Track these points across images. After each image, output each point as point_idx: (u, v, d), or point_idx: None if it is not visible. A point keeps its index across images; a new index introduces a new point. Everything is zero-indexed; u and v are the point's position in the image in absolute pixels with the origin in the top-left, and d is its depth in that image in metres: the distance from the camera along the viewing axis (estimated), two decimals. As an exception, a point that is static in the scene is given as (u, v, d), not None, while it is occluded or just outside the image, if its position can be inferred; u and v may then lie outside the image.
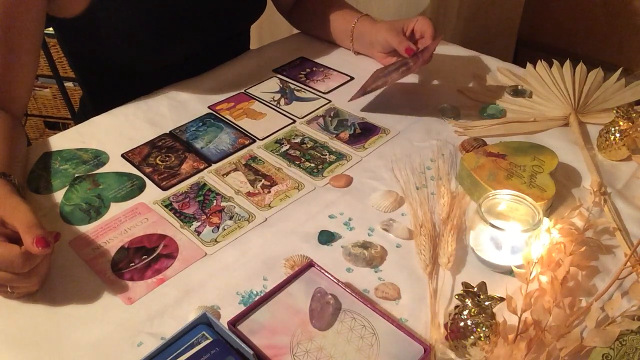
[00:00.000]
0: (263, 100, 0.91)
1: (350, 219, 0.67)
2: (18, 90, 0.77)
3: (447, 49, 1.02)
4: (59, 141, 0.81)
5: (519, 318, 0.51)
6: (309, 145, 0.80)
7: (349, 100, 0.88)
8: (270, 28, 1.62)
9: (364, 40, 0.99)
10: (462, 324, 0.49)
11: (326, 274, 0.57)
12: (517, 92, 0.90)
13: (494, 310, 0.50)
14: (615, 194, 0.70)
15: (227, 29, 0.97)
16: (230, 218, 0.67)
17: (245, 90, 0.93)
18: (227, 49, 1.01)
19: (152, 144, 0.80)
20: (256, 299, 0.56)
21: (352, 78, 0.96)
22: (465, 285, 0.51)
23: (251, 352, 0.48)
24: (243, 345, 0.48)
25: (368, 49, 1.00)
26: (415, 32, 0.92)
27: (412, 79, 0.95)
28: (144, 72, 0.92)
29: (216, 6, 0.91)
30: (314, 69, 1.00)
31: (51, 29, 0.90)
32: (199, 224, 0.66)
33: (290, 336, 0.51)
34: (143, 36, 0.84)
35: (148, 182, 0.73)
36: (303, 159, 0.77)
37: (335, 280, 0.56)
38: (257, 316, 0.53)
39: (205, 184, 0.72)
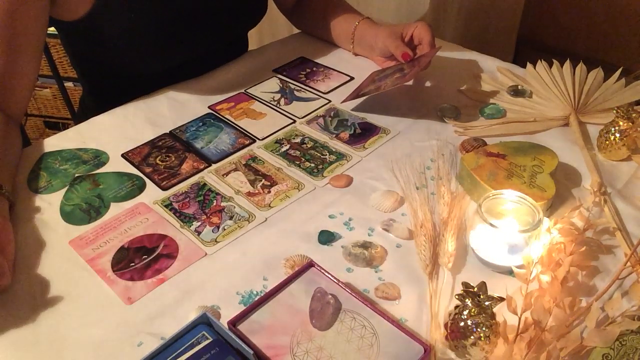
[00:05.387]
0: (263, 100, 0.91)
1: (350, 219, 0.67)
2: (18, 91, 0.77)
3: (447, 49, 1.02)
4: (59, 141, 0.81)
5: (519, 318, 0.51)
6: (309, 145, 0.80)
7: (341, 102, 0.88)
8: (270, 28, 1.62)
9: (364, 44, 0.99)
10: (462, 324, 0.49)
11: (326, 274, 0.57)
12: (517, 92, 0.90)
13: (494, 310, 0.50)
14: (615, 194, 0.70)
15: (228, 33, 0.98)
16: (230, 218, 0.67)
17: (245, 90, 0.93)
18: (227, 52, 1.02)
19: (152, 144, 0.80)
20: (256, 299, 0.56)
21: (352, 78, 0.96)
22: (465, 285, 0.51)
23: (251, 352, 0.48)
24: (243, 345, 0.48)
25: (368, 52, 1.00)
26: (413, 38, 0.92)
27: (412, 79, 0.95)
28: (146, 75, 0.92)
29: (217, 10, 0.91)
30: (314, 69, 1.00)
31: (53, 28, 0.90)
32: (199, 224, 0.66)
33: (290, 336, 0.51)
34: (145, 40, 0.84)
35: (148, 182, 0.73)
36: (303, 159, 0.77)
37: (335, 280, 0.56)
38: (257, 316, 0.53)
39: (205, 184, 0.72)
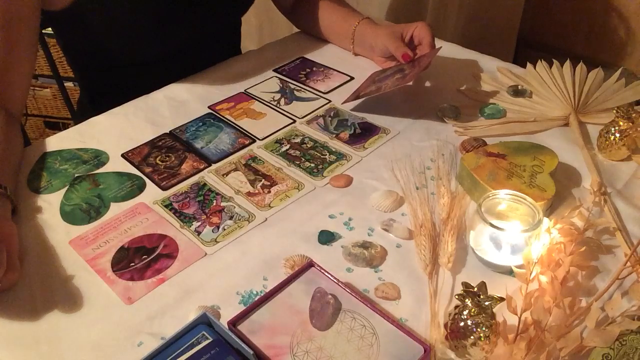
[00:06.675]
0: (263, 100, 0.91)
1: (350, 219, 0.67)
2: (17, 87, 0.76)
3: (447, 49, 1.02)
4: (59, 141, 0.81)
5: (519, 318, 0.51)
6: (309, 145, 0.80)
7: (342, 103, 0.88)
8: (270, 28, 1.62)
9: (365, 44, 0.99)
10: (462, 324, 0.49)
11: (326, 274, 0.57)
12: (517, 92, 0.90)
13: (494, 310, 0.50)
14: (615, 194, 0.70)
15: (217, 20, 0.97)
16: (230, 218, 0.67)
17: (245, 90, 0.93)
18: (218, 42, 1.01)
19: (152, 144, 0.80)
20: (256, 299, 0.56)
21: (352, 78, 0.96)
22: (465, 285, 0.51)
23: (251, 352, 0.48)
24: (243, 345, 0.48)
25: (368, 52, 1.00)
26: (414, 38, 0.92)
27: (412, 79, 0.95)
28: (136, 66, 0.92)
29: None
30: (314, 69, 1.00)
31: (51, 29, 0.90)
32: (199, 223, 0.66)
33: (290, 336, 0.51)
34: (131, 27, 0.84)
35: (148, 182, 0.73)
36: (303, 159, 0.77)
37: (335, 280, 0.56)
38: (257, 316, 0.53)
39: (205, 184, 0.72)
